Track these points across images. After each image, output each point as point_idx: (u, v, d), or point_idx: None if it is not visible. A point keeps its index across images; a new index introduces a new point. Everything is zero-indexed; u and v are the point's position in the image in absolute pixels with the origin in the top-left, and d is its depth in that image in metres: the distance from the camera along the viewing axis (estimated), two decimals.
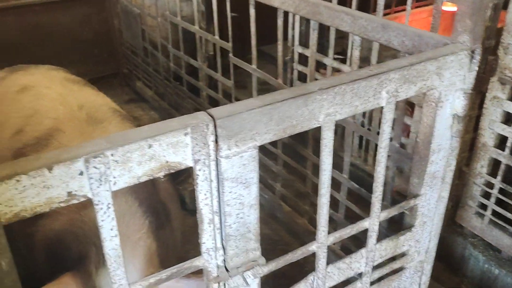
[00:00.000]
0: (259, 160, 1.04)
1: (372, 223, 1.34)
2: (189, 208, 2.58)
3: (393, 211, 1.39)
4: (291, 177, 2.36)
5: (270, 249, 2.44)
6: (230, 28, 2.35)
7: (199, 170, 0.96)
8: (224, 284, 1.15)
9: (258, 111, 0.98)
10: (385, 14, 2.46)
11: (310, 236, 2.31)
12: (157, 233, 1.39)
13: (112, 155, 0.85)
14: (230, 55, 2.41)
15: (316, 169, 2.26)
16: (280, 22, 2.02)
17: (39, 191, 0.80)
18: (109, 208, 0.88)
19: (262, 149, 1.20)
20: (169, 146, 0.91)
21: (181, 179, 2.73)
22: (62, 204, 0.84)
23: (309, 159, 2.21)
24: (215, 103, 2.94)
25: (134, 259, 1.26)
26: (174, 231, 1.51)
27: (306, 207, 2.33)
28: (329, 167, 1.16)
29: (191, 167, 0.98)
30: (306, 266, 2.18)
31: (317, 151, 2.33)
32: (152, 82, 3.61)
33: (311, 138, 2.19)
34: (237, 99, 2.66)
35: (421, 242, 1.54)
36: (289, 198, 2.44)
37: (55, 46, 3.59)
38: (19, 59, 3.40)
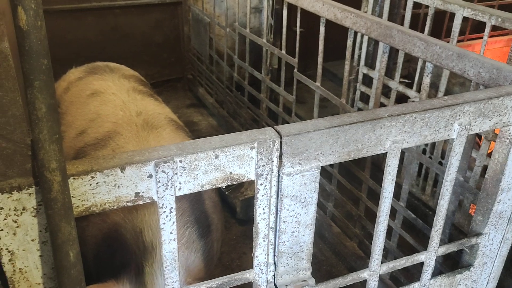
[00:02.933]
0: None
1: (428, 257, 1.29)
2: (239, 217, 2.60)
3: (452, 247, 1.33)
4: (344, 198, 2.32)
5: (315, 268, 2.40)
6: (298, 44, 2.37)
7: (261, 184, 0.97)
8: None
9: (326, 132, 0.98)
10: (458, 41, 2.38)
11: (357, 261, 2.26)
12: (196, 244, 1.41)
13: (180, 161, 0.88)
14: (295, 71, 2.42)
15: (371, 193, 2.21)
16: (350, 42, 2.00)
17: (110, 189, 0.84)
18: (172, 212, 0.91)
19: None
20: (235, 158, 0.92)
21: (233, 187, 2.76)
22: (129, 204, 0.87)
23: (364, 182, 2.16)
24: (274, 116, 2.96)
25: None
26: (213, 242, 1.53)
27: (357, 231, 2.28)
28: (390, 195, 1.13)
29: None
30: None
31: (373, 175, 2.29)
32: (214, 89, 3.69)
33: (369, 161, 2.15)
34: (297, 115, 2.66)
35: (479, 283, 1.46)
36: (340, 219, 2.40)
37: (129, 47, 3.77)
38: (96, 56, 3.60)
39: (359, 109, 3.01)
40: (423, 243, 1.93)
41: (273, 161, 0.96)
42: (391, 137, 1.05)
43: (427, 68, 1.63)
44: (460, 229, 2.41)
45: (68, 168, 0.80)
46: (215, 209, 1.57)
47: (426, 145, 2.50)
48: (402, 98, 2.80)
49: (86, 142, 1.61)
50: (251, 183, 3.03)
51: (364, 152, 1.05)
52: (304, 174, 1.00)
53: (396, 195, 2.01)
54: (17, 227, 0.80)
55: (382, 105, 2.75)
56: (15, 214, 0.79)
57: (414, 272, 2.18)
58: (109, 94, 1.83)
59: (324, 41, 2.12)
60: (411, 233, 2.04)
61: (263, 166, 0.95)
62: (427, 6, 2.39)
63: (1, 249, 0.81)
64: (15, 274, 0.84)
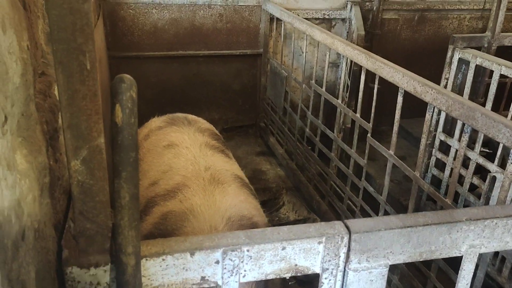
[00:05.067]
0: None
1: None
2: (299, 277, 2.55)
3: None
4: (411, 274, 2.21)
5: None
6: (373, 110, 2.35)
7: (325, 278, 0.95)
8: None
9: (397, 232, 0.95)
10: None
11: None
12: None
13: (248, 250, 0.89)
14: (369, 135, 2.39)
15: (440, 272, 2.09)
16: (428, 116, 1.95)
17: (178, 271, 0.87)
18: None
19: None
20: (301, 251, 0.92)
21: None
22: (194, 287, 0.90)
23: (434, 262, 2.05)
24: (343, 175, 2.92)
25: None
26: None
27: None
28: None
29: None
30: None
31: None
32: (284, 140, 3.73)
33: None
34: (367, 173, 2.59)
35: None
36: None
37: (208, 92, 3.95)
38: (177, 99, 3.82)
39: (433, 176, 2.89)
40: None
41: (340, 257, 0.94)
42: (468, 241, 1.00)
43: None
44: None
45: (142, 248, 0.84)
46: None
47: None
48: (480, 168, 2.65)
49: (157, 193, 1.69)
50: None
51: (437, 254, 1.00)
52: (371, 271, 0.97)
53: None
54: None
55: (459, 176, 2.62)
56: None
57: None
58: (183, 148, 1.93)
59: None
60: None
61: (329, 261, 0.94)
62: None
63: None
64: None
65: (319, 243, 0.92)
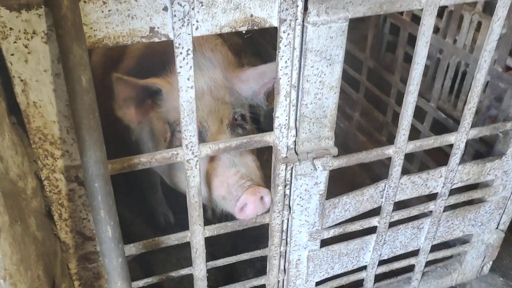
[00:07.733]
0: None
1: (459, 139, 1.23)
2: (263, 128, 2.56)
3: (484, 131, 1.26)
4: (371, 106, 2.25)
5: (337, 177, 2.38)
6: None
7: (284, 32, 0.91)
8: (292, 169, 1.12)
9: None
10: None
11: (382, 168, 2.22)
12: (229, 47, 1.47)
13: None
14: None
15: (400, 96, 2.13)
16: None
17: (123, 19, 0.80)
18: (189, 54, 0.86)
19: (344, 75, 1.11)
20: None
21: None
22: (144, 40, 0.83)
23: (393, 86, 2.07)
24: None
25: (216, 59, 1.34)
26: None
27: (383, 138, 2.22)
28: (423, 61, 1.05)
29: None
30: None
31: (404, 79, 2.19)
32: None
33: (400, 64, 2.05)
34: None
35: (510, 175, 1.40)
36: (366, 128, 2.34)
37: None
38: None
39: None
40: None
41: (297, 6, 0.89)
42: None
43: None
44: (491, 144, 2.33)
45: None
46: None
47: None
48: None
49: None
50: None
51: (397, 6, 0.96)
52: (330, 26, 0.93)
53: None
54: (29, 53, 0.77)
55: None
56: (25, 37, 0.76)
57: None
58: None
59: None
60: None
61: (286, 9, 0.88)
62: None
63: (13, 76, 0.79)
64: (29, 108, 0.83)
65: None
